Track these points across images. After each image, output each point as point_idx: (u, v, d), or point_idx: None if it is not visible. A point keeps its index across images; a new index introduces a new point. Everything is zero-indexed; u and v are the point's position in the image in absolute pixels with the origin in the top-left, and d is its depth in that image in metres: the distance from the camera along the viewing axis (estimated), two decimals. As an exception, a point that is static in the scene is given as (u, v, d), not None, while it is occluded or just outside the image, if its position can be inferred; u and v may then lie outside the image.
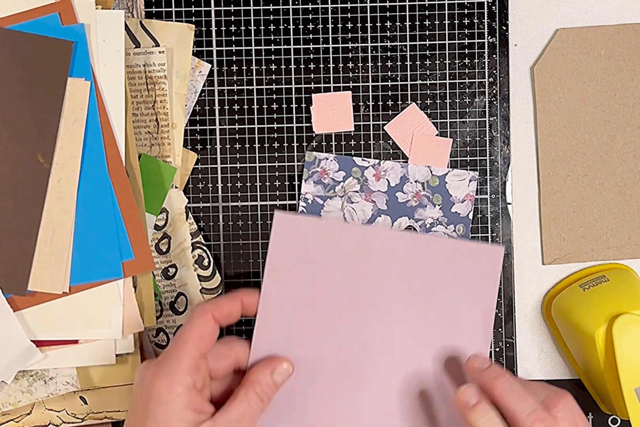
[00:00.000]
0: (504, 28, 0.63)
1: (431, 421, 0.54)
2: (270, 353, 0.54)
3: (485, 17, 0.63)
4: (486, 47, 0.64)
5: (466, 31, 0.63)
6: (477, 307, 0.54)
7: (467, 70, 0.64)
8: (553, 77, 0.64)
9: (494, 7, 0.63)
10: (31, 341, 0.59)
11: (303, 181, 0.63)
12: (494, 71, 0.64)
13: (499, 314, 0.64)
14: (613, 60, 0.63)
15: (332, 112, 0.64)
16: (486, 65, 0.64)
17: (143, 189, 0.61)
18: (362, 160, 0.63)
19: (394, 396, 0.54)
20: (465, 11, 0.63)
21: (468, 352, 0.54)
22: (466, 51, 0.63)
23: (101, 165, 0.59)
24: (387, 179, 0.64)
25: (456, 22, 0.63)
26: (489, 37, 0.63)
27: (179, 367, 0.50)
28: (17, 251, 0.59)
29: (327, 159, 0.63)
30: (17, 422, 0.62)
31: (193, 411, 0.50)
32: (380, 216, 0.63)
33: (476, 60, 0.64)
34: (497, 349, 0.64)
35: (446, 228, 0.63)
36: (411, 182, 0.63)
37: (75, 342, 0.60)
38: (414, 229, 0.63)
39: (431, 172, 0.63)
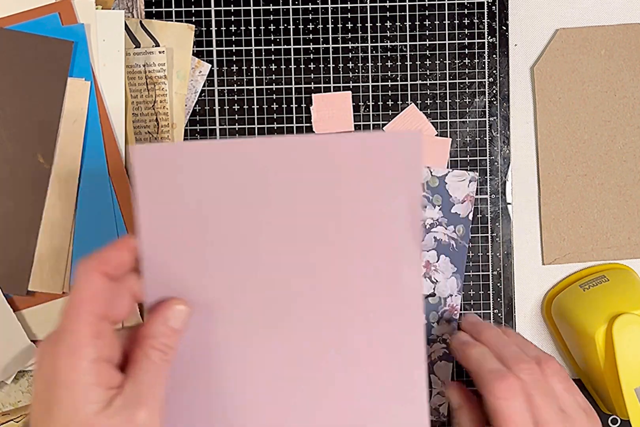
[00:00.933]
0: (504, 28, 0.63)
1: (360, 348, 0.49)
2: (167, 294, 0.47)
3: (485, 17, 0.63)
4: (486, 47, 0.63)
5: (466, 31, 0.63)
6: (402, 205, 0.48)
7: (467, 70, 0.64)
8: (553, 77, 0.64)
9: (494, 7, 0.63)
10: (31, 341, 0.59)
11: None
12: (494, 71, 0.64)
13: (499, 314, 0.64)
14: (613, 60, 0.63)
15: (332, 112, 0.64)
16: (486, 65, 0.64)
17: (143, 189, 0.61)
18: None
19: (318, 323, 0.49)
20: (465, 11, 0.63)
21: (399, 259, 0.48)
22: (466, 51, 0.63)
23: (101, 165, 0.59)
24: None
25: (456, 22, 0.63)
26: (489, 37, 0.63)
27: (78, 341, 0.43)
28: (17, 251, 0.59)
29: None
30: (17, 422, 0.62)
31: (102, 388, 0.43)
32: None
33: (476, 60, 0.63)
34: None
35: (446, 229, 0.63)
36: None
37: (75, 342, 0.60)
38: None
39: (431, 172, 0.63)
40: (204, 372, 0.48)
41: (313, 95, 0.64)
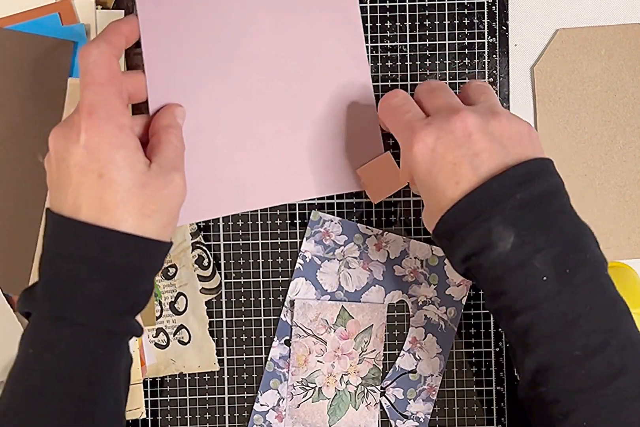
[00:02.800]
0: (504, 28, 0.63)
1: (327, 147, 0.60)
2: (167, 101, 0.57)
3: (485, 17, 0.63)
4: (486, 47, 0.63)
5: (466, 31, 0.63)
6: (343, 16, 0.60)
7: (467, 70, 0.64)
8: (553, 77, 0.64)
9: (494, 7, 0.63)
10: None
11: (304, 239, 0.63)
12: (494, 71, 0.64)
13: (499, 314, 0.64)
14: (613, 60, 0.63)
15: None
16: (486, 65, 0.64)
17: (143, 189, 0.61)
18: (366, 228, 0.63)
19: (289, 126, 0.60)
20: (465, 11, 0.63)
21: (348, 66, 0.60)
22: (466, 51, 0.63)
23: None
24: (387, 251, 0.63)
25: (456, 22, 0.63)
26: (489, 37, 0.63)
27: (116, 109, 0.50)
28: (18, 251, 0.59)
29: (332, 221, 0.63)
30: (17, 422, 0.62)
31: (142, 152, 0.51)
32: (374, 286, 0.63)
33: (476, 60, 0.63)
34: (497, 349, 0.64)
35: (437, 309, 0.63)
36: (410, 258, 0.63)
37: (75, 342, 0.60)
38: (406, 304, 0.64)
39: (432, 251, 0.63)
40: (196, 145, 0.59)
41: None
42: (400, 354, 0.64)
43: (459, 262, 0.50)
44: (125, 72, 0.55)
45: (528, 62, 0.64)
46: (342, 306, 0.62)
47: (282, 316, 0.63)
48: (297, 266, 0.63)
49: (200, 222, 0.64)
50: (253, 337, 0.64)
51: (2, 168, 0.58)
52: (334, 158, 0.61)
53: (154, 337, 0.63)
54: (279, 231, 0.64)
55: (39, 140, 0.58)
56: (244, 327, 0.64)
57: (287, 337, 0.63)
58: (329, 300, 0.63)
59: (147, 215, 0.50)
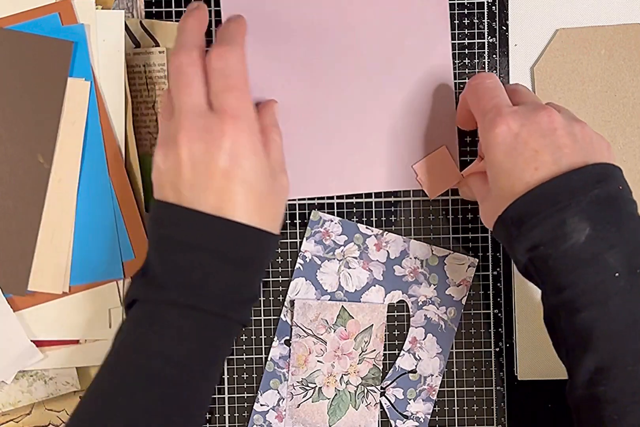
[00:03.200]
0: (504, 28, 0.63)
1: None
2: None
3: (485, 17, 0.63)
4: (486, 47, 0.63)
5: (466, 31, 0.63)
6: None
7: (467, 70, 0.64)
8: (553, 77, 0.64)
9: (494, 7, 0.63)
10: (31, 341, 0.59)
11: (304, 239, 0.63)
12: (494, 71, 0.64)
13: (499, 314, 0.64)
14: (613, 60, 0.63)
15: None
16: (486, 65, 0.64)
17: (143, 189, 0.61)
18: (366, 228, 0.63)
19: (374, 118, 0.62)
20: (465, 11, 0.63)
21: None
22: (466, 51, 0.63)
23: (101, 165, 0.59)
24: (387, 251, 0.63)
25: (456, 22, 0.63)
26: (489, 37, 0.63)
27: (253, 116, 0.53)
28: (17, 251, 0.59)
29: (332, 221, 0.63)
30: (17, 422, 0.62)
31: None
32: (374, 286, 0.63)
33: (476, 60, 0.63)
34: (497, 349, 0.64)
35: (437, 309, 0.63)
36: (410, 258, 0.63)
37: (76, 342, 0.60)
38: (406, 304, 0.63)
39: (432, 251, 0.63)
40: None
41: None
42: (400, 354, 0.64)
43: (523, 251, 0.50)
44: None
45: (528, 62, 0.64)
46: (342, 306, 0.62)
47: (282, 316, 0.63)
48: (297, 266, 0.63)
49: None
50: (253, 337, 0.64)
51: (2, 168, 0.58)
52: (408, 153, 0.63)
53: (154, 337, 0.63)
54: (279, 231, 0.64)
55: (39, 140, 0.58)
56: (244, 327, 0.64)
57: (287, 337, 0.63)
58: (329, 300, 0.63)
59: (266, 213, 0.52)
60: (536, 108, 0.52)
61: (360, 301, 0.63)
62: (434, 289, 0.63)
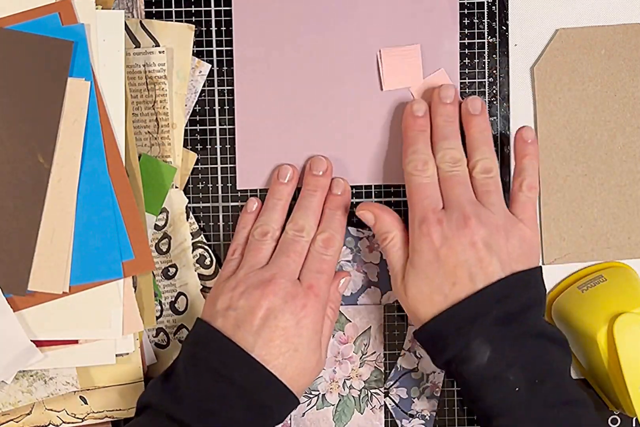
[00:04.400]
0: (504, 28, 0.63)
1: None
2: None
3: (485, 17, 0.63)
4: (486, 47, 0.63)
5: (466, 31, 0.63)
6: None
7: (467, 70, 0.64)
8: (553, 77, 0.64)
9: (494, 7, 0.63)
10: (31, 341, 0.59)
11: None
12: (494, 71, 0.64)
13: (499, 314, 0.64)
14: (613, 60, 0.63)
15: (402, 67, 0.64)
16: (486, 65, 0.64)
17: (143, 189, 0.61)
18: (357, 230, 0.63)
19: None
20: (465, 11, 0.63)
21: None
22: (466, 51, 0.63)
23: (101, 165, 0.59)
24: (379, 252, 0.63)
25: (456, 22, 0.63)
26: (489, 37, 0.63)
27: (327, 299, 0.59)
28: (17, 251, 0.59)
29: None
30: (17, 422, 0.62)
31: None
32: (370, 287, 0.63)
33: (476, 60, 0.63)
34: (497, 349, 0.64)
35: None
36: None
37: (75, 342, 0.60)
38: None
39: None
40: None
41: (382, 49, 0.63)
42: (401, 354, 0.63)
43: (440, 364, 0.56)
44: None
45: (528, 62, 0.64)
46: (339, 310, 0.62)
47: None
48: None
49: (200, 222, 0.64)
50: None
51: (2, 168, 0.58)
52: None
53: (154, 337, 0.63)
54: (279, 231, 0.64)
55: (39, 140, 0.58)
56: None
57: None
58: None
59: (298, 378, 0.56)
60: (460, 222, 0.55)
61: (357, 304, 0.63)
62: None
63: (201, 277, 0.63)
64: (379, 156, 0.63)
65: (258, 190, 0.64)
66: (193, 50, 0.63)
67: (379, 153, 0.63)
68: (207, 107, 0.64)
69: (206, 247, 0.63)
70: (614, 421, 0.65)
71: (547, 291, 0.65)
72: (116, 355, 0.60)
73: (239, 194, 0.64)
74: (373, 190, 0.64)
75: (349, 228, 0.63)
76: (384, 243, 0.59)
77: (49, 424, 0.62)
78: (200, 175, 0.64)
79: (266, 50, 0.63)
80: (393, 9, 0.62)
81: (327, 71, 0.63)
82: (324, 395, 0.63)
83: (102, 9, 0.60)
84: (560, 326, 0.63)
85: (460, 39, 0.63)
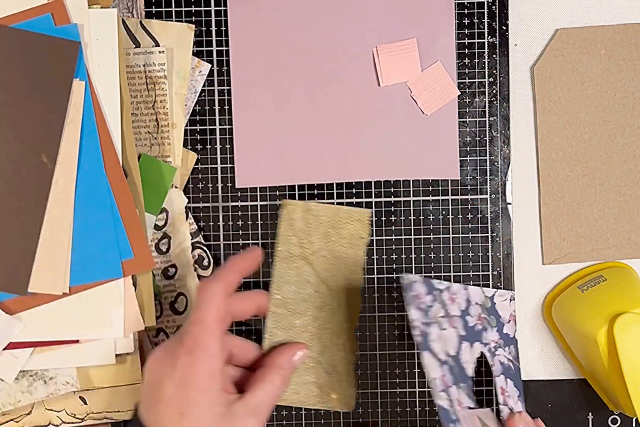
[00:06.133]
0: (504, 28, 0.63)
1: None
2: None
3: (485, 17, 0.63)
4: (486, 47, 0.63)
5: (466, 31, 0.63)
6: None
7: (467, 70, 0.64)
8: (553, 77, 0.64)
9: (494, 7, 0.63)
10: (31, 341, 0.59)
11: (407, 306, 0.54)
12: (494, 71, 0.64)
13: (499, 314, 0.64)
14: (613, 60, 0.64)
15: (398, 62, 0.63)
16: (486, 65, 0.64)
17: (143, 189, 0.61)
18: (439, 283, 0.56)
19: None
20: (465, 11, 0.63)
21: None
22: (466, 51, 0.63)
23: (98, 165, 0.59)
24: (458, 302, 0.57)
25: (456, 22, 0.63)
26: (489, 37, 0.63)
27: (213, 354, 0.52)
28: (19, 251, 0.59)
29: (417, 281, 0.54)
30: (17, 422, 0.62)
31: (225, 393, 0.52)
32: (462, 343, 0.56)
33: (476, 60, 0.63)
34: (497, 349, 0.64)
35: (504, 351, 0.59)
36: (473, 305, 0.58)
37: (76, 342, 0.60)
38: (485, 356, 0.58)
39: (483, 293, 0.59)
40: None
41: (378, 46, 0.63)
42: (500, 409, 0.58)
43: None
44: (237, 295, 0.56)
45: (528, 62, 0.64)
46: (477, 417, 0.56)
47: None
48: (416, 340, 0.54)
49: (200, 222, 0.64)
50: (253, 337, 0.64)
51: (6, 168, 0.58)
52: (408, 143, 0.63)
53: (154, 337, 0.63)
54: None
55: (43, 141, 0.58)
56: (244, 327, 0.64)
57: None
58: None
59: None
60: None
61: (461, 362, 0.56)
62: (496, 331, 0.59)
63: (199, 278, 0.63)
64: (377, 152, 0.63)
65: (258, 189, 0.64)
66: (193, 50, 0.63)
67: (378, 149, 0.63)
68: (207, 107, 0.64)
69: (204, 247, 0.63)
70: (614, 421, 0.66)
71: (547, 291, 0.65)
72: (116, 355, 0.60)
73: (239, 194, 0.64)
74: (373, 190, 0.64)
75: (432, 281, 0.56)
76: None
77: (49, 424, 0.62)
78: (200, 175, 0.64)
79: (262, 49, 0.63)
80: (389, 4, 0.62)
81: (324, 68, 0.63)
82: None
83: (102, 7, 0.60)
84: (561, 325, 0.63)
85: (460, 39, 0.63)
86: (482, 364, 0.61)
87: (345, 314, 0.62)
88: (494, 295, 0.60)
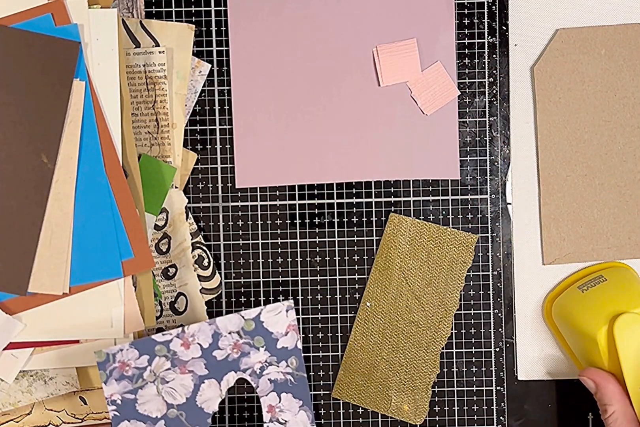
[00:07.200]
0: (504, 28, 0.63)
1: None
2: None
3: (485, 17, 0.63)
4: (486, 47, 0.64)
5: (466, 31, 0.63)
6: None
7: (467, 70, 0.64)
8: (553, 77, 0.64)
9: (494, 7, 0.63)
10: (31, 342, 0.59)
11: (103, 384, 0.58)
12: (494, 71, 0.64)
13: (499, 314, 0.64)
14: (613, 60, 0.64)
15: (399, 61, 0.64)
16: (486, 65, 0.64)
17: (143, 189, 0.61)
18: (162, 335, 0.58)
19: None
20: (465, 11, 0.63)
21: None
22: (466, 51, 0.63)
23: (98, 165, 0.59)
24: (198, 343, 0.58)
25: (456, 22, 0.63)
26: (489, 37, 0.63)
27: None
28: (19, 251, 0.59)
29: (122, 349, 0.58)
30: (17, 422, 0.62)
31: None
32: (204, 382, 0.59)
33: (476, 60, 0.64)
34: (497, 349, 0.64)
35: (278, 366, 0.59)
36: (225, 336, 0.59)
37: (76, 342, 0.60)
38: (245, 379, 0.59)
39: (243, 317, 0.59)
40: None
41: (378, 46, 0.63)
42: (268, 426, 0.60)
43: None
44: None
45: (528, 62, 0.64)
46: None
47: None
48: (111, 415, 0.58)
49: (200, 222, 0.64)
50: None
51: (6, 168, 0.58)
52: (407, 142, 0.64)
53: (154, 337, 0.63)
54: (279, 231, 0.64)
55: (43, 140, 0.58)
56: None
57: None
58: (164, 425, 0.58)
59: None
60: None
61: (197, 405, 0.59)
62: (265, 350, 0.59)
63: (199, 278, 0.63)
64: (377, 152, 0.63)
65: (258, 189, 0.64)
66: (193, 50, 0.63)
67: (378, 149, 0.63)
68: (207, 107, 0.64)
69: (204, 248, 0.63)
70: (614, 421, 0.66)
71: (547, 291, 0.65)
72: (116, 355, 0.60)
73: (239, 194, 0.64)
74: (373, 190, 0.64)
75: (153, 337, 0.58)
76: (605, 415, 0.58)
77: (49, 424, 0.62)
78: (200, 175, 0.64)
79: (262, 49, 0.63)
80: (388, 5, 0.62)
81: (324, 69, 0.63)
82: None
83: (102, 7, 0.60)
84: (561, 325, 0.63)
85: (460, 39, 0.63)
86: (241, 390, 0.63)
87: (433, 334, 0.64)
88: (259, 314, 0.59)
